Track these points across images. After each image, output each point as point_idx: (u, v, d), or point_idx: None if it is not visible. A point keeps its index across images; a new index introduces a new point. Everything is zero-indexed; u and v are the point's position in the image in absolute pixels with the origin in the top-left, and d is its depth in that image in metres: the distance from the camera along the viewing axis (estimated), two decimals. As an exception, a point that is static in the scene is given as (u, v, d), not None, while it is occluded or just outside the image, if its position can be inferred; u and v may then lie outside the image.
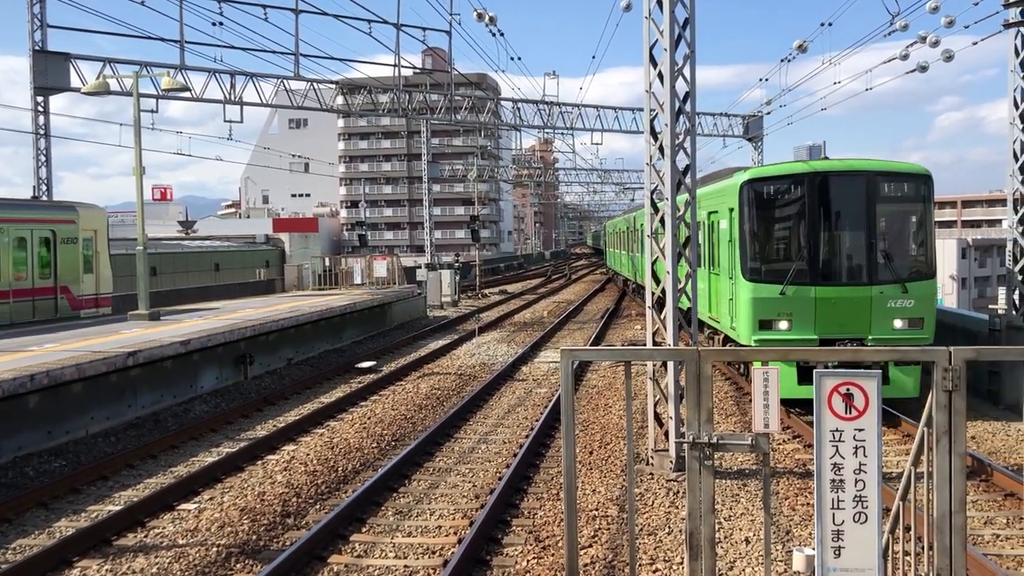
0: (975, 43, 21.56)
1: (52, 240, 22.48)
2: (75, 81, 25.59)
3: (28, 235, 21.83)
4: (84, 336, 17.40)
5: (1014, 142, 17.10)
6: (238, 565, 8.25)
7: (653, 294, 11.52)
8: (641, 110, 11.67)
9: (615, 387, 17.07)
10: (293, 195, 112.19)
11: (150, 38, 27.05)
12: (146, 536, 9.11)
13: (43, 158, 26.63)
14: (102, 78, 23.32)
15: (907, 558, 5.19)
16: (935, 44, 22.70)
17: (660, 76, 11.14)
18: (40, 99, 26.17)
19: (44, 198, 25.90)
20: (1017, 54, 18.38)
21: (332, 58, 53.41)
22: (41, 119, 26.31)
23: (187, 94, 26.83)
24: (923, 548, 4.71)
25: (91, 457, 12.62)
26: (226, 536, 8.97)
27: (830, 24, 26.12)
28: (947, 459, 4.27)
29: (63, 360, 13.72)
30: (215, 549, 8.58)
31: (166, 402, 16.01)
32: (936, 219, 15.06)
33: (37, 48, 25.53)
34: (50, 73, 25.49)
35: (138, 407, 15.18)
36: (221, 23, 26.80)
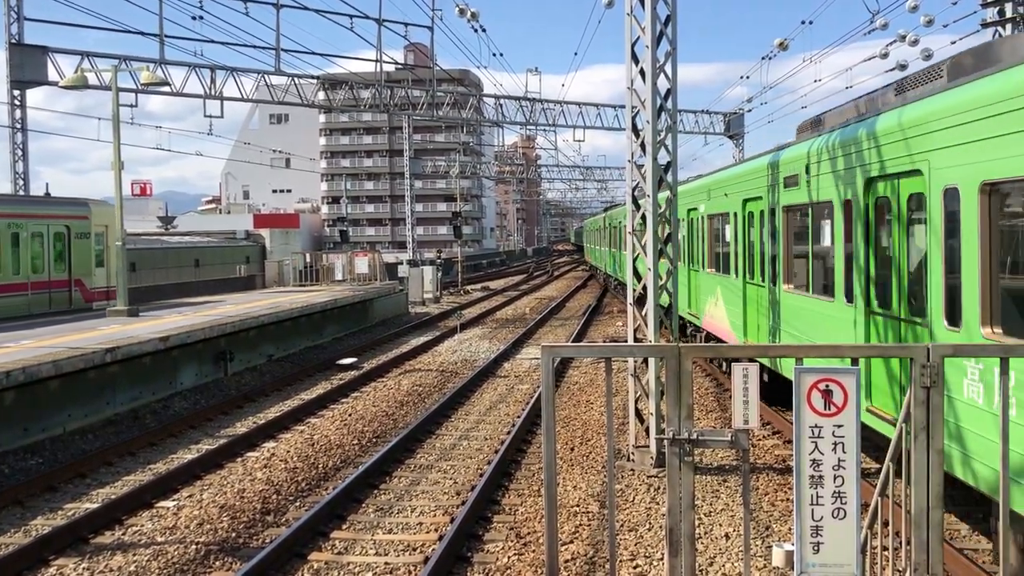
0: (953, 42, 21.78)
1: (67, 235, 23.53)
2: (53, 75, 25.36)
3: (44, 230, 22.89)
4: (62, 332, 17.24)
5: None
6: (217, 563, 8.20)
7: (634, 290, 11.54)
8: (623, 107, 11.69)
9: (596, 383, 17.10)
10: (274, 191, 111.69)
11: (129, 32, 26.75)
12: (124, 534, 9.03)
13: (20, 152, 26.37)
14: (80, 72, 23.08)
15: (885, 553, 5.23)
16: (914, 43, 22.90)
17: (642, 73, 11.16)
18: (17, 93, 25.89)
19: (58, 196, 26.49)
20: (995, 53, 18.52)
21: (313, 53, 53.18)
22: (18, 113, 26.04)
23: (167, 89, 26.61)
24: (901, 543, 4.75)
25: (68, 454, 12.50)
26: (205, 534, 8.91)
27: (811, 22, 26.31)
28: (925, 455, 4.29)
29: (40, 356, 13.57)
30: (194, 547, 8.52)
31: (145, 399, 15.89)
32: None
33: (14, 41, 25.25)
34: (27, 67, 25.24)
35: (116, 404, 15.06)
36: (201, 17, 26.62)
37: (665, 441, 4.40)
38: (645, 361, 11.36)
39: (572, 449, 12.13)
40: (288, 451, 12.36)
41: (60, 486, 10.91)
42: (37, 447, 12.74)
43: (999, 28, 18.32)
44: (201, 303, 25.45)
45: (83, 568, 8.06)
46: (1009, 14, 18.12)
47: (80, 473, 11.40)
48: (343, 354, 21.87)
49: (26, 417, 12.91)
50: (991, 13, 18.53)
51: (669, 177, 11.50)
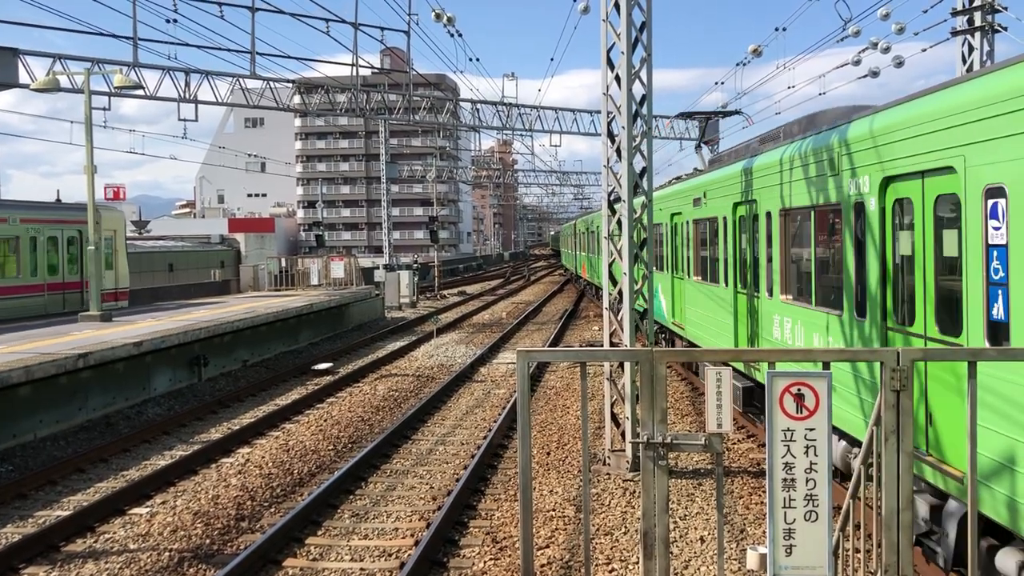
0: (924, 50, 22.05)
1: (79, 239, 24.53)
2: (24, 77, 25.00)
3: (59, 235, 24.12)
4: (34, 338, 17.03)
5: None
6: (191, 570, 8.13)
7: (610, 295, 11.58)
8: (600, 112, 11.71)
9: (573, 388, 17.14)
10: (249, 195, 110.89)
11: (102, 34, 26.44)
12: (96, 541, 8.94)
13: (-10, 156, 26.02)
14: (52, 75, 22.81)
15: (857, 555, 5.28)
16: (886, 50, 23.18)
17: (617, 79, 11.22)
18: (-13, 95, 25.53)
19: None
20: (964, 61, 18.82)
21: (289, 57, 52.84)
22: (-12, 116, 25.71)
23: (140, 92, 26.37)
24: (872, 545, 4.80)
25: (39, 461, 12.35)
26: (179, 540, 8.84)
27: (784, 29, 26.53)
28: (895, 458, 4.34)
29: (11, 362, 13.40)
30: (167, 554, 8.45)
31: (118, 404, 15.73)
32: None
33: (-16, 43, 24.88)
34: (-3, 69, 24.87)
35: (89, 410, 14.89)
36: (175, 20, 26.38)
37: (640, 445, 4.43)
38: (621, 365, 11.40)
39: (548, 454, 12.14)
40: (263, 457, 12.29)
41: (31, 493, 10.77)
42: (7, 454, 12.56)
43: (968, 36, 18.59)
44: (175, 307, 25.28)
45: (54, 576, 7.97)
46: (978, 23, 18.39)
47: (51, 480, 11.26)
48: (319, 359, 21.76)
49: (-4, 424, 12.74)
50: (961, 21, 18.80)
51: (644, 183, 11.56)
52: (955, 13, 18.88)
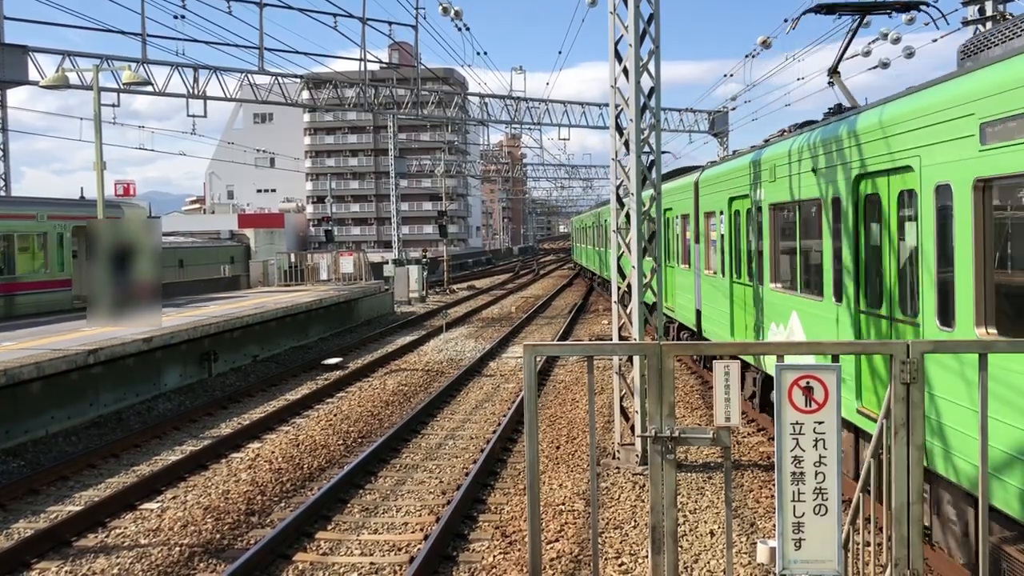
0: (935, 40, 21.90)
1: None
2: (33, 74, 25.08)
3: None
4: (44, 334, 17.12)
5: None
6: (201, 564, 8.16)
7: (619, 288, 11.55)
8: (608, 105, 11.69)
9: (582, 382, 17.11)
10: (259, 190, 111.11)
11: (111, 31, 26.51)
12: (107, 536, 8.98)
13: (1, 153, 26.13)
14: (61, 71, 22.86)
15: (867, 549, 5.26)
16: (896, 41, 23.03)
17: (625, 72, 11.17)
18: (-3, 93, 25.64)
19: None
20: (976, 51, 18.64)
21: (297, 52, 52.92)
22: (-2, 113, 25.79)
23: (149, 88, 26.42)
24: (883, 539, 4.77)
25: (51, 457, 12.41)
26: (189, 535, 8.87)
27: (795, 20, 26.32)
28: (905, 451, 4.31)
29: (21, 359, 13.47)
30: (178, 549, 8.48)
31: (128, 400, 15.80)
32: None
33: (-6, 41, 24.97)
34: (7, 66, 24.96)
35: (100, 406, 14.96)
36: (183, 16, 26.51)
37: (648, 439, 4.41)
38: (630, 359, 11.38)
39: (558, 447, 12.13)
40: (273, 452, 12.32)
41: (42, 489, 10.83)
42: (19, 450, 12.64)
43: (979, 26, 18.43)
44: (185, 303, 25.35)
45: (65, 571, 8.01)
46: (989, 12, 18.24)
47: (62, 476, 11.32)
48: (328, 354, 21.80)
49: (8, 419, 12.81)
50: (972, 11, 18.64)
51: (653, 175, 11.52)
52: (966, 3, 18.73)
